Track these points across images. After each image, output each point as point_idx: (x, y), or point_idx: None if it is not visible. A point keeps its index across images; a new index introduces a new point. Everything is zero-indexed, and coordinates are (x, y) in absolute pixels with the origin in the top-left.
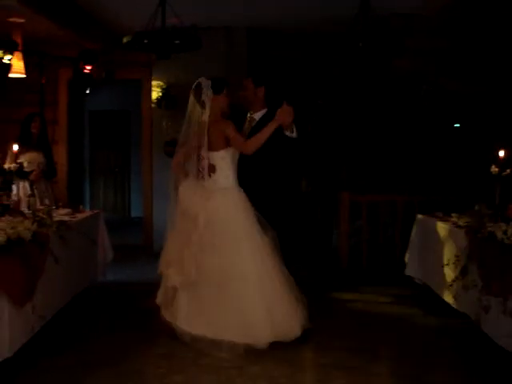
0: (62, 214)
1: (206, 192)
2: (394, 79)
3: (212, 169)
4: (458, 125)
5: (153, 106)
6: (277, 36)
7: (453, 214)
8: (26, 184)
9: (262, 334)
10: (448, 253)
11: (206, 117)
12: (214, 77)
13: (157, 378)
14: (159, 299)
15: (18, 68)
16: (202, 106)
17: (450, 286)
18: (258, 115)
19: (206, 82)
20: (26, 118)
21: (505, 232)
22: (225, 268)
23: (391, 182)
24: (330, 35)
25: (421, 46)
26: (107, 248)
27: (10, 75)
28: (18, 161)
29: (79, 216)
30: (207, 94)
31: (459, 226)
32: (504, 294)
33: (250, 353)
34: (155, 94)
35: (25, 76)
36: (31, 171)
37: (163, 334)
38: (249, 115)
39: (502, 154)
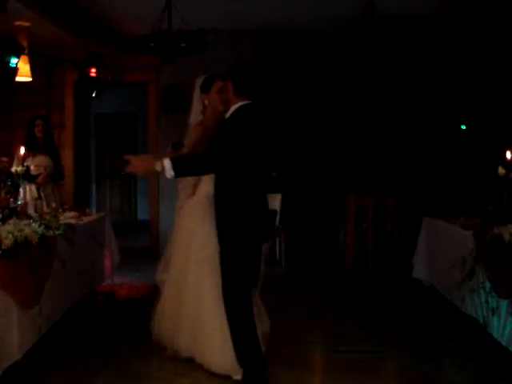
0: (68, 217)
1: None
2: (400, 81)
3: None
4: (464, 126)
5: (158, 108)
6: (283, 38)
7: (460, 216)
8: (33, 187)
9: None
10: (455, 255)
11: (191, 119)
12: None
13: (164, 381)
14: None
15: (24, 72)
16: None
17: (458, 288)
18: (229, 113)
19: (199, 81)
20: (29, 122)
21: None
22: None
23: (398, 183)
24: (336, 37)
25: (428, 48)
26: (114, 251)
27: (17, 79)
28: (25, 164)
29: (86, 219)
30: (197, 94)
31: (466, 228)
32: (511, 296)
33: None
34: (161, 96)
35: (31, 80)
36: (38, 174)
37: None
38: None
39: (509, 155)
